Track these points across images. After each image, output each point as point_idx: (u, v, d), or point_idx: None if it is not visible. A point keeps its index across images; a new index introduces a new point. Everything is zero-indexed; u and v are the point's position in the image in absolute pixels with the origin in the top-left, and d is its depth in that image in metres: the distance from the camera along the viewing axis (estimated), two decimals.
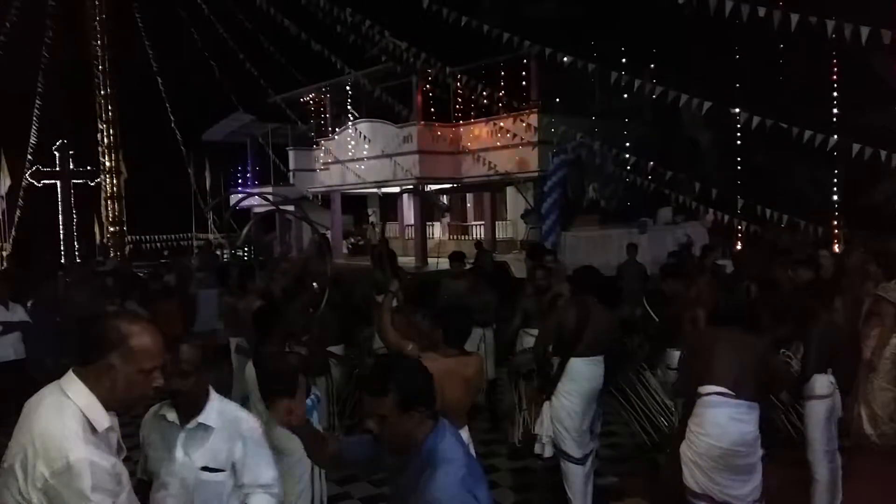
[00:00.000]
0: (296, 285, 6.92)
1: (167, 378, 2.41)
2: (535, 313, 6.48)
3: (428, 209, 21.45)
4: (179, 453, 2.73)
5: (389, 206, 25.50)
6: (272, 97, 24.29)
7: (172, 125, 25.16)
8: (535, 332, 5.90)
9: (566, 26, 17.72)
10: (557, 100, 18.48)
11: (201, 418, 2.73)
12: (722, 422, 3.96)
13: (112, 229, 23.24)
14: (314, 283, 6.97)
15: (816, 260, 7.49)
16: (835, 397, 4.82)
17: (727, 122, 14.49)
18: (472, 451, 3.25)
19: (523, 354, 6.09)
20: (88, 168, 24.54)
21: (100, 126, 22.82)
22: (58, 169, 24.47)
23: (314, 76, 22.72)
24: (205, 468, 2.70)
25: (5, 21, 22.20)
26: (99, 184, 23.80)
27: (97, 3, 22.20)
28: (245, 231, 14.58)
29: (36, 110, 23.53)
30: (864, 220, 14.40)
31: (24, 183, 23.56)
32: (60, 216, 24.56)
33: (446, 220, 24.31)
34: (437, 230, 24.28)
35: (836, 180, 15.80)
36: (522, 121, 18.02)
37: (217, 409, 2.77)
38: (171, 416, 2.77)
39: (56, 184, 24.59)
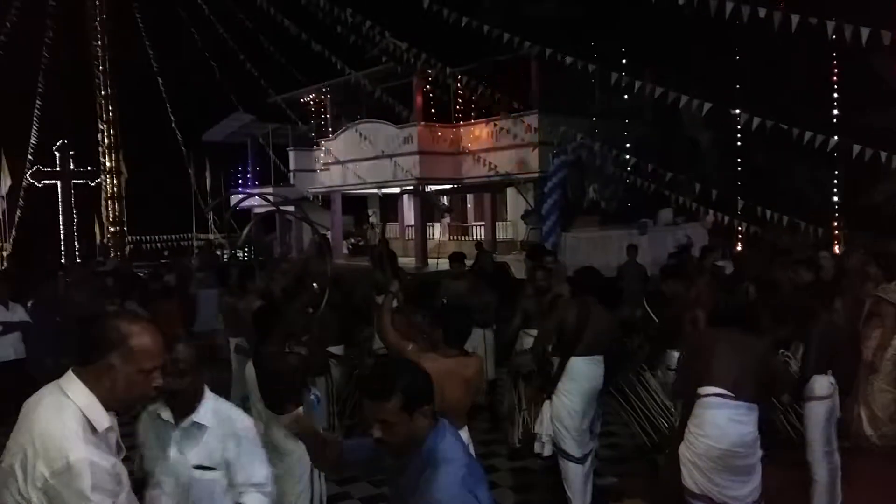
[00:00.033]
0: (296, 285, 6.92)
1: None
2: (535, 314, 6.49)
3: (428, 210, 21.45)
4: (174, 451, 2.74)
5: (390, 206, 25.50)
6: (272, 97, 24.30)
7: (173, 125, 25.16)
8: (535, 332, 5.90)
9: (566, 27, 17.73)
10: (558, 100, 18.47)
11: (195, 417, 2.74)
12: (721, 423, 3.96)
13: (112, 229, 23.24)
14: (314, 284, 6.97)
15: (816, 261, 7.49)
16: (834, 398, 4.83)
17: (727, 123, 14.49)
18: (472, 452, 3.25)
19: (523, 355, 6.09)
20: (89, 168, 24.55)
21: (100, 126, 22.83)
22: (58, 169, 24.48)
23: (314, 76, 22.74)
24: (198, 466, 2.71)
25: (6, 21, 22.21)
26: (99, 184, 23.81)
27: (97, 3, 22.21)
28: (245, 231, 14.58)
29: (36, 110, 23.54)
30: (865, 221, 14.40)
31: (24, 183, 23.57)
32: (61, 216, 24.58)
33: (446, 220, 24.31)
34: (437, 231, 24.28)
35: (836, 181, 15.79)
36: (523, 121, 18.03)
37: (211, 408, 2.78)
38: (166, 414, 2.78)
39: (56, 184, 24.60)
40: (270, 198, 19.06)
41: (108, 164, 22.98)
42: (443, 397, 2.91)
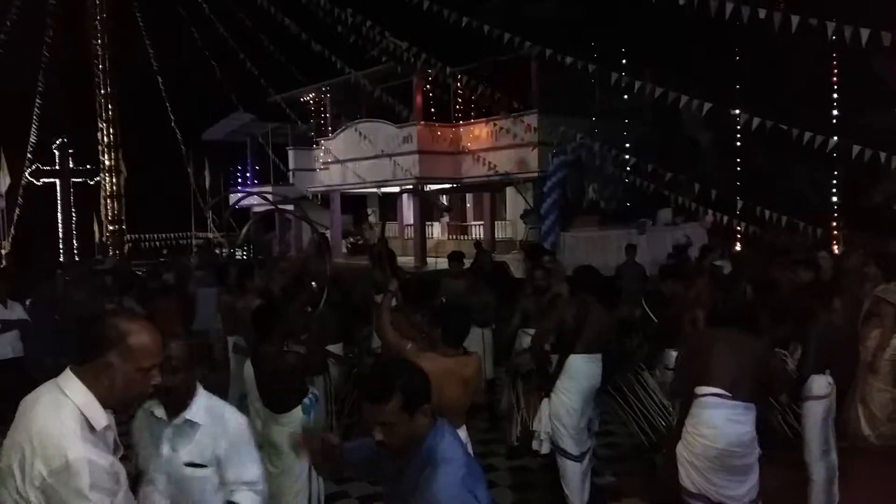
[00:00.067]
0: (295, 284, 6.91)
1: None
2: (534, 313, 6.49)
3: (427, 209, 21.46)
4: (166, 449, 2.74)
5: (389, 205, 25.50)
6: (272, 96, 24.30)
7: (172, 124, 25.17)
8: (534, 331, 5.90)
9: (566, 27, 17.73)
10: (557, 100, 18.48)
11: (188, 414, 2.74)
12: (718, 423, 3.97)
13: (111, 228, 23.23)
14: (313, 283, 6.96)
15: (816, 261, 7.49)
16: (832, 398, 4.83)
17: (727, 123, 14.50)
18: (470, 451, 3.25)
19: (523, 355, 6.10)
20: (88, 167, 24.55)
21: (100, 125, 22.82)
22: (57, 167, 24.49)
23: (314, 76, 22.74)
24: (189, 464, 2.71)
25: (6, 20, 22.19)
26: (98, 182, 23.80)
27: (97, 2, 22.19)
28: (244, 230, 14.59)
29: (36, 109, 23.55)
30: (864, 221, 14.41)
31: (23, 181, 23.58)
32: (60, 215, 24.59)
33: (445, 220, 24.32)
34: (436, 230, 24.28)
35: (835, 181, 15.80)
36: (522, 121, 18.03)
37: (204, 406, 2.77)
38: (159, 411, 2.78)
39: (55, 182, 24.60)
40: (270, 197, 19.08)
41: (107, 162, 22.96)
42: (441, 396, 2.91)
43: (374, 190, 23.44)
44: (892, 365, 6.19)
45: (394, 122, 20.49)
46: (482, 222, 22.49)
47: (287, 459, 4.29)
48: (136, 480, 2.80)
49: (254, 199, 19.20)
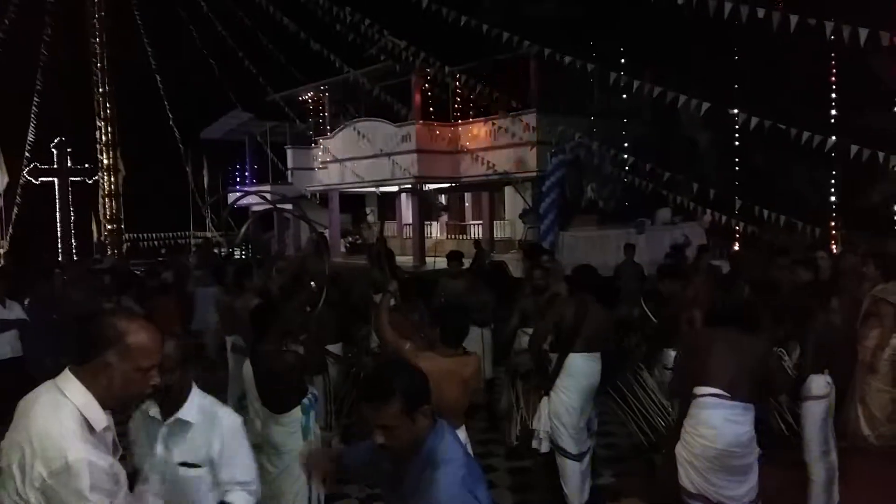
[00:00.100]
0: (293, 284, 6.91)
1: None
2: (533, 313, 6.48)
3: (426, 208, 21.46)
4: (160, 448, 2.74)
5: (388, 205, 25.49)
6: (271, 95, 24.28)
7: (171, 123, 25.14)
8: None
9: (565, 26, 17.73)
10: (556, 100, 18.49)
11: (181, 414, 2.73)
12: (717, 423, 3.97)
13: (110, 227, 23.20)
14: (312, 282, 6.96)
15: (814, 261, 7.49)
16: (831, 398, 4.83)
17: (726, 123, 14.51)
18: (470, 451, 3.25)
19: (522, 354, 6.09)
20: (86, 165, 24.53)
21: (98, 124, 22.79)
22: (56, 166, 24.46)
23: (313, 75, 22.72)
24: (183, 463, 2.70)
25: (4, 19, 22.15)
26: (97, 181, 23.77)
27: (96, 1, 22.16)
28: (243, 229, 14.60)
29: (34, 107, 23.49)
30: (862, 221, 14.42)
31: (21, 180, 23.53)
32: (58, 214, 24.56)
33: (444, 219, 24.32)
34: (435, 229, 24.28)
35: (834, 181, 15.81)
36: (521, 120, 18.03)
37: (197, 405, 2.77)
38: (154, 411, 2.77)
39: (54, 181, 24.58)
40: (268, 196, 19.07)
41: (105, 161, 22.93)
42: (440, 397, 2.91)
43: (373, 189, 23.43)
44: (892, 365, 6.19)
45: (392, 121, 20.48)
46: (481, 222, 22.50)
47: (287, 459, 4.28)
48: (133, 480, 2.79)
49: (252, 199, 19.19)
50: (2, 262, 19.84)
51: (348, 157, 22.26)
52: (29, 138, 23.65)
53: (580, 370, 5.13)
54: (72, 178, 24.69)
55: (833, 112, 15.33)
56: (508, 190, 20.85)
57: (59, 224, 24.50)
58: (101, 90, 22.56)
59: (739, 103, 12.98)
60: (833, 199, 15.87)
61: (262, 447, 4.48)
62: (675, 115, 15.89)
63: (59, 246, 24.21)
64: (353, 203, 26.42)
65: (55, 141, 24.22)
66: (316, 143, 24.91)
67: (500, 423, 6.84)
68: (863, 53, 10.81)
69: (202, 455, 2.70)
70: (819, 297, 5.51)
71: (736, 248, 15.02)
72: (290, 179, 25.44)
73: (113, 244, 22.83)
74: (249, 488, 2.77)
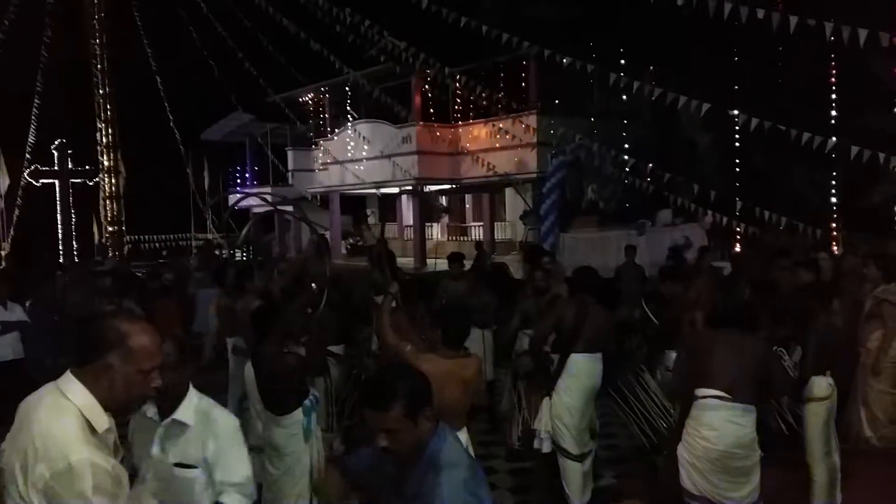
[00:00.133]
0: (294, 285, 6.91)
1: None
2: (533, 315, 6.49)
3: (427, 210, 21.46)
4: (156, 449, 2.74)
5: (388, 206, 25.49)
6: (271, 97, 24.29)
7: (171, 125, 25.14)
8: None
9: (565, 27, 17.72)
10: (556, 101, 18.49)
11: (176, 415, 2.73)
12: (718, 424, 3.97)
13: (111, 229, 23.20)
14: (313, 284, 6.96)
15: (815, 262, 7.49)
16: (833, 399, 4.83)
17: (726, 124, 14.50)
18: (471, 453, 3.25)
19: (523, 356, 6.10)
20: (87, 167, 24.52)
21: (98, 125, 22.79)
22: (56, 168, 24.45)
23: (313, 76, 22.72)
24: (177, 464, 2.70)
25: (4, 20, 22.17)
26: (97, 183, 23.77)
27: (96, 1, 22.17)
28: (244, 231, 14.59)
29: (35, 109, 23.49)
30: (863, 222, 14.42)
31: (22, 182, 23.53)
32: (59, 216, 24.55)
33: (444, 220, 24.32)
34: (436, 231, 24.28)
35: (834, 182, 15.80)
36: (521, 122, 18.04)
37: (194, 406, 2.77)
38: (151, 411, 2.78)
39: (55, 183, 24.56)
40: (269, 197, 19.06)
41: (106, 163, 22.93)
42: (442, 398, 2.91)
43: (374, 191, 23.43)
44: (895, 367, 6.18)
45: (393, 123, 20.48)
46: (481, 223, 22.50)
47: (288, 461, 4.28)
48: (132, 480, 2.79)
49: (253, 200, 19.20)
50: (3, 264, 19.84)
51: (349, 159, 22.26)
52: (30, 140, 23.66)
53: (582, 370, 5.15)
54: (73, 180, 24.68)
55: (833, 113, 15.32)
56: (509, 191, 20.85)
57: (60, 226, 24.49)
58: (101, 92, 22.57)
59: (739, 104, 12.97)
60: (833, 200, 15.85)
61: (263, 449, 4.48)
62: (676, 116, 15.88)
63: (61, 248, 24.20)
64: (353, 205, 26.43)
65: (56, 143, 24.21)
66: (316, 145, 24.91)
67: (502, 425, 6.84)
68: (862, 54, 10.80)
69: (197, 456, 2.70)
70: (820, 298, 5.50)
71: (737, 249, 15.02)
72: (290, 181, 25.44)
73: (114, 246, 22.83)
74: (244, 490, 2.76)
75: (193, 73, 23.85)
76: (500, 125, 18.77)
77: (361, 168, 21.82)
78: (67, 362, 2.12)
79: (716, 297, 5.59)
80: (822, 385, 4.78)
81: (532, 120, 18.03)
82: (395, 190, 22.31)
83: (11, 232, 22.87)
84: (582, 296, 5.34)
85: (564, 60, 12.24)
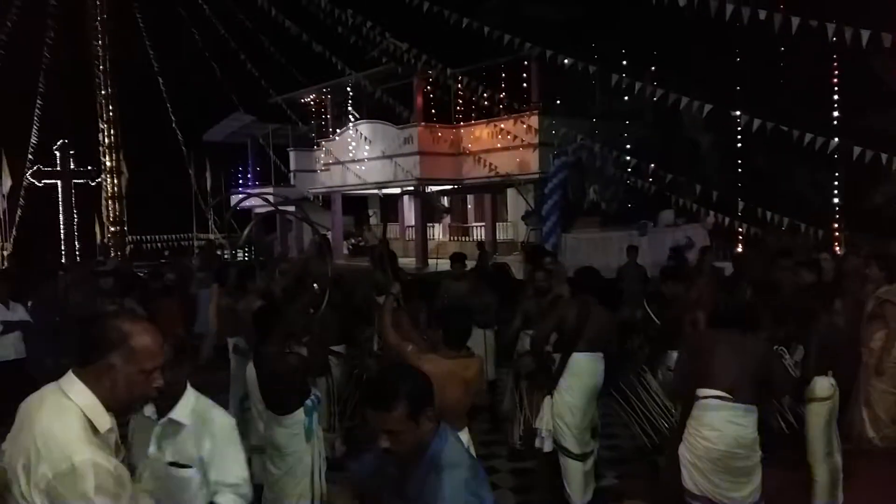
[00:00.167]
0: (296, 286, 6.92)
1: None
2: (535, 315, 6.49)
3: (428, 210, 21.46)
4: (153, 448, 2.74)
5: (390, 207, 25.51)
6: (273, 98, 24.30)
7: (173, 125, 25.16)
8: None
9: (567, 28, 17.73)
10: (558, 101, 18.48)
11: (173, 414, 2.73)
12: (719, 425, 3.97)
13: (113, 229, 23.23)
14: (315, 284, 6.97)
15: (818, 262, 7.49)
16: (835, 399, 4.83)
17: (728, 125, 14.48)
18: (473, 453, 3.25)
19: (525, 357, 6.10)
20: (89, 168, 24.55)
21: (101, 126, 22.82)
22: (58, 168, 24.48)
23: (315, 77, 22.74)
24: (173, 463, 2.70)
25: (6, 21, 22.21)
26: (100, 183, 23.81)
27: (98, 2, 22.20)
28: (246, 232, 14.59)
29: (37, 110, 23.53)
30: (865, 222, 14.39)
31: (24, 182, 23.57)
32: (61, 216, 24.57)
33: (446, 221, 24.32)
34: (437, 231, 24.29)
35: (836, 183, 15.78)
36: (523, 122, 18.03)
37: (191, 406, 2.76)
38: (149, 410, 2.77)
39: (57, 183, 24.59)
40: (271, 198, 19.05)
41: (108, 163, 22.96)
42: (443, 398, 2.91)
43: (375, 191, 23.44)
44: None
45: (394, 124, 20.49)
46: (483, 223, 22.50)
47: (290, 461, 4.29)
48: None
49: (255, 201, 19.21)
50: (5, 264, 19.87)
51: (350, 160, 22.28)
52: (32, 141, 23.69)
53: (583, 370, 5.15)
54: (75, 181, 24.71)
55: (835, 113, 15.30)
56: (511, 192, 20.84)
57: (62, 226, 24.51)
58: (103, 92, 22.60)
59: (741, 105, 12.97)
60: (836, 200, 15.84)
61: (264, 449, 4.49)
62: (678, 116, 15.88)
63: (63, 248, 24.22)
64: (355, 205, 26.43)
65: (58, 143, 24.25)
66: (318, 146, 24.93)
67: (503, 425, 6.84)
68: (865, 55, 10.79)
69: (192, 455, 2.70)
70: (822, 298, 5.50)
71: (739, 249, 15.00)
72: (292, 181, 25.45)
73: (116, 246, 22.86)
74: (239, 491, 2.74)
75: (195, 73, 23.86)
76: (502, 126, 18.77)
77: (363, 168, 21.84)
78: (69, 362, 2.12)
79: (717, 297, 5.59)
80: (824, 385, 4.78)
81: (534, 120, 18.02)
82: (397, 190, 22.32)
83: (14, 232, 22.92)
84: (584, 296, 5.34)
85: (566, 61, 12.25)
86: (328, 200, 24.43)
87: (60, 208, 24.56)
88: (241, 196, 22.79)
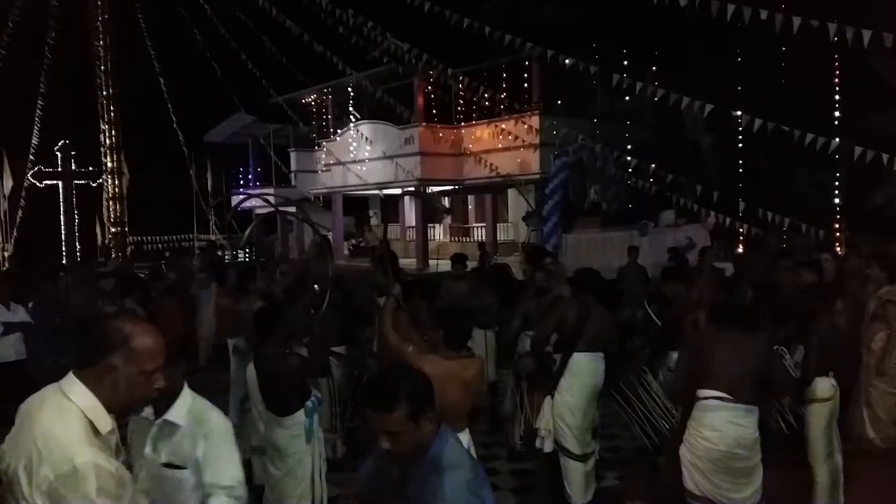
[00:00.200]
0: (297, 286, 6.92)
1: None
2: (535, 316, 6.48)
3: (429, 211, 21.46)
4: (148, 448, 2.74)
5: (391, 207, 25.51)
6: (274, 98, 24.31)
7: (174, 126, 25.18)
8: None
9: (568, 28, 17.73)
10: (559, 102, 18.49)
11: (168, 415, 2.72)
12: (720, 425, 3.97)
13: (114, 230, 23.21)
14: (315, 285, 6.96)
15: (818, 263, 7.48)
16: (836, 400, 4.83)
17: (728, 125, 14.49)
18: (473, 454, 3.25)
19: (526, 357, 6.10)
20: (90, 169, 24.54)
21: (102, 126, 22.80)
22: (60, 169, 24.49)
23: (316, 77, 22.75)
24: (167, 464, 2.70)
25: (8, 21, 22.22)
26: (101, 184, 23.78)
27: (99, 3, 22.21)
28: (247, 232, 14.59)
29: (38, 111, 23.53)
30: (866, 223, 14.39)
31: (26, 183, 23.57)
32: (62, 217, 24.58)
33: (447, 221, 24.32)
34: (438, 232, 24.29)
35: (837, 183, 15.79)
36: (524, 123, 18.03)
37: (187, 407, 2.76)
38: (147, 411, 2.76)
39: (58, 184, 24.60)
40: (271, 199, 19.06)
41: (109, 164, 22.94)
42: (443, 399, 2.91)
43: (376, 192, 23.45)
44: None
45: (395, 124, 20.49)
46: (484, 224, 22.50)
47: (290, 462, 4.29)
48: None
49: (256, 201, 19.21)
50: (6, 264, 19.87)
51: (351, 160, 22.29)
52: (33, 141, 23.68)
53: (584, 370, 5.15)
54: (76, 182, 24.72)
55: (836, 114, 15.31)
56: (511, 192, 20.83)
57: (63, 227, 24.52)
58: (104, 93, 22.58)
59: (742, 105, 12.97)
60: (837, 200, 15.84)
61: (265, 450, 4.49)
62: (678, 117, 15.89)
63: (64, 249, 24.23)
64: (356, 206, 26.44)
65: (59, 144, 24.25)
66: (319, 146, 24.94)
67: (504, 426, 6.84)
68: (866, 55, 10.79)
69: (187, 456, 2.69)
70: (823, 299, 5.49)
71: (740, 249, 15.00)
72: (293, 182, 25.46)
73: (117, 247, 22.84)
74: (233, 493, 2.71)
75: (196, 74, 23.88)
76: (503, 126, 18.77)
77: (364, 169, 21.84)
78: (70, 363, 2.12)
79: (717, 297, 5.58)
80: (824, 386, 4.78)
81: (535, 121, 18.02)
82: (398, 191, 22.32)
83: (15, 233, 22.92)
84: (584, 296, 5.34)
85: (567, 61, 12.25)
86: (329, 201, 24.44)
87: (61, 209, 24.58)
88: (241, 197, 22.82)
